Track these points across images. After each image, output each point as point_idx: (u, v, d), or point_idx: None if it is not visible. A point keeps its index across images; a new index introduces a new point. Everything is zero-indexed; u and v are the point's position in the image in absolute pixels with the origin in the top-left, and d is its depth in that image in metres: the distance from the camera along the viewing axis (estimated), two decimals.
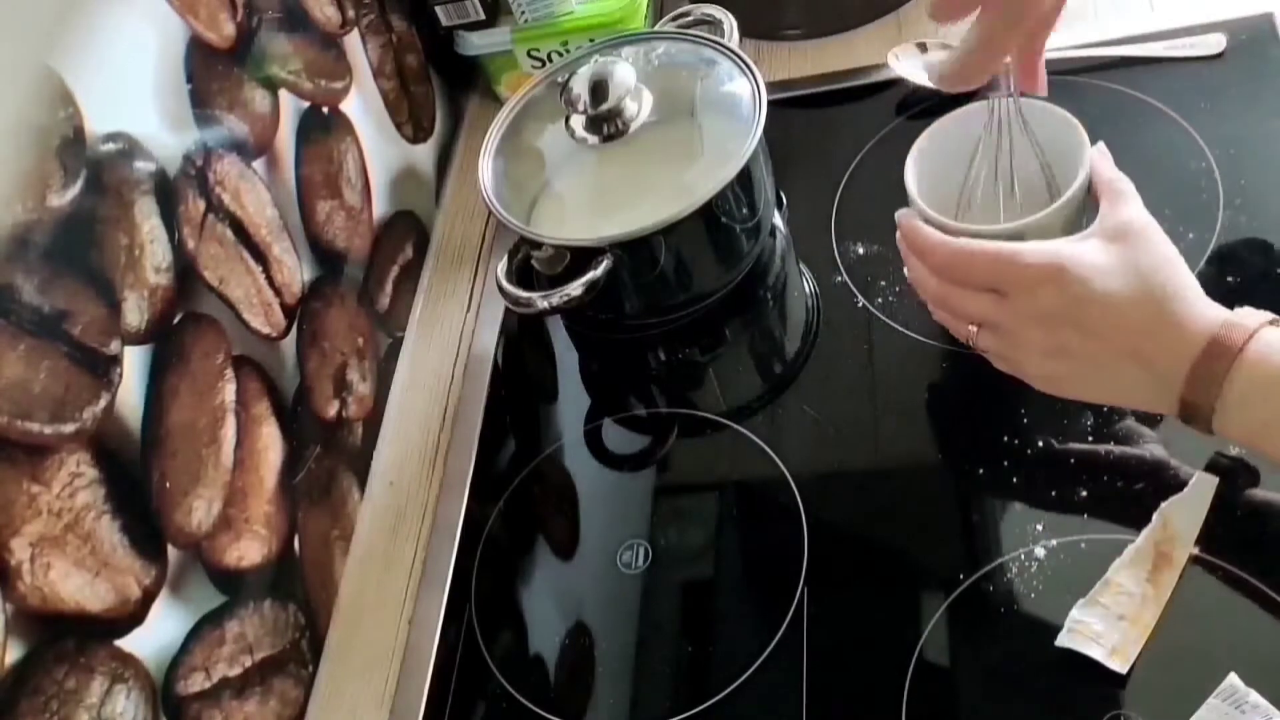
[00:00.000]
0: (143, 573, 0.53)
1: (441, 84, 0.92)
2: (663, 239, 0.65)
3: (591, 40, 0.81)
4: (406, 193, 0.83)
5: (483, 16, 0.86)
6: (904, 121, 0.78)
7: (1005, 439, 0.60)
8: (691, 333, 0.72)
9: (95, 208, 0.53)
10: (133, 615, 0.52)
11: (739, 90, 0.69)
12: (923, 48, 0.79)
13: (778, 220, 0.75)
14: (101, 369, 0.52)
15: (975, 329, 0.55)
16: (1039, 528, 0.56)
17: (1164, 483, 0.55)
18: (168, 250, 0.57)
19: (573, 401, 0.74)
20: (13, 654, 0.46)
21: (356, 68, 0.79)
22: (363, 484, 0.73)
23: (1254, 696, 0.47)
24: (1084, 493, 0.57)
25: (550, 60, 0.86)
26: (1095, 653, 0.50)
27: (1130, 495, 0.56)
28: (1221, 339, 0.47)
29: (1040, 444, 0.59)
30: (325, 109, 0.74)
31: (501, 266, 0.67)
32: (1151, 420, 0.58)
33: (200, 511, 0.57)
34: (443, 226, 0.88)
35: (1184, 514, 0.53)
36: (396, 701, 0.62)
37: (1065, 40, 0.75)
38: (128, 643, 0.52)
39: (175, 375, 0.57)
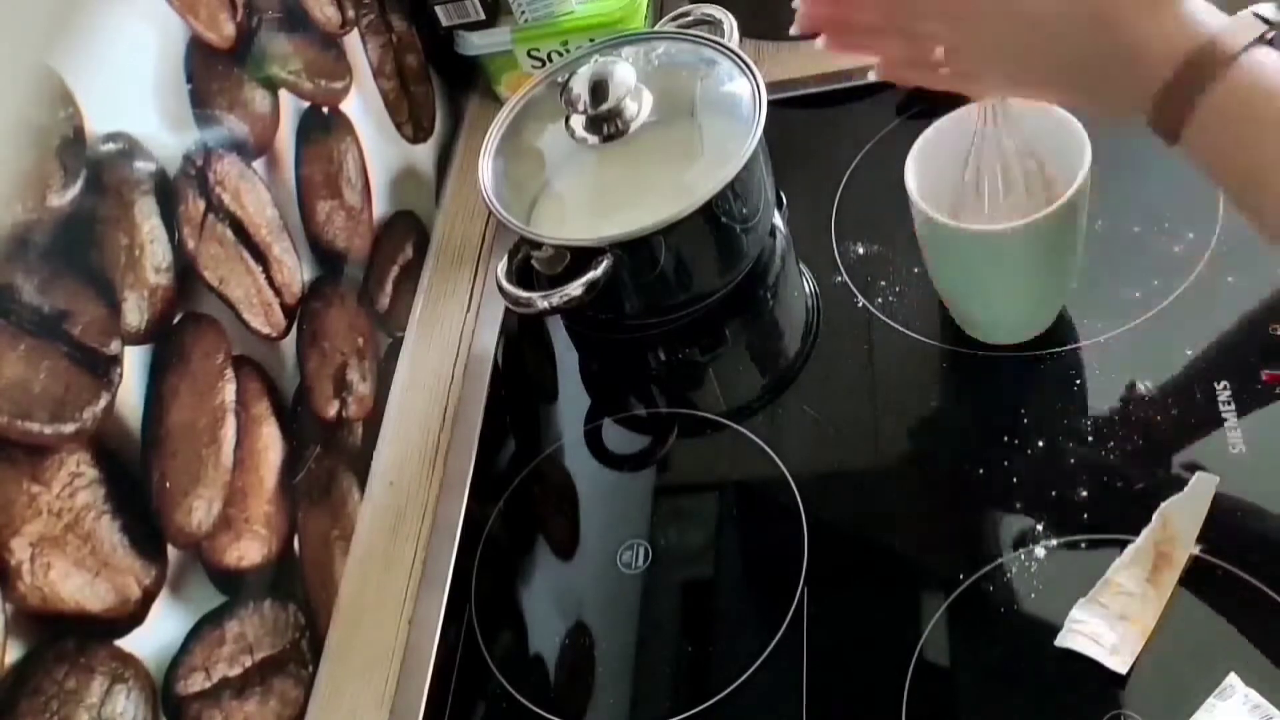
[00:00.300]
0: (143, 573, 0.53)
1: (441, 84, 0.92)
2: (663, 239, 0.66)
3: (591, 40, 0.81)
4: (406, 193, 0.83)
5: (483, 16, 0.86)
6: (904, 121, 0.78)
7: (1005, 439, 0.60)
8: (691, 333, 0.72)
9: (95, 208, 0.53)
10: (133, 615, 0.52)
11: (739, 90, 0.69)
12: None
13: (778, 220, 0.75)
14: (101, 369, 0.52)
15: (940, 51, 0.50)
16: (1039, 528, 0.56)
17: (1164, 483, 0.55)
18: (168, 250, 0.57)
19: (573, 401, 0.74)
20: (13, 654, 0.46)
21: (356, 68, 0.79)
22: (363, 484, 0.73)
23: (1254, 696, 0.47)
24: (1084, 493, 0.57)
25: (550, 60, 0.86)
26: (1095, 653, 0.50)
27: (1130, 495, 0.56)
28: (1216, 43, 0.43)
29: (1040, 444, 0.59)
30: (325, 109, 0.74)
31: (501, 266, 0.67)
32: (1151, 421, 0.58)
33: (200, 511, 0.57)
34: (443, 226, 0.88)
35: (1184, 514, 0.53)
36: (396, 701, 0.62)
37: None
38: (128, 643, 0.52)
39: (175, 375, 0.57)
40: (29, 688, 0.46)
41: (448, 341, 0.79)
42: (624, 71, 0.69)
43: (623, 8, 0.83)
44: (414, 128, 0.86)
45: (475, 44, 0.88)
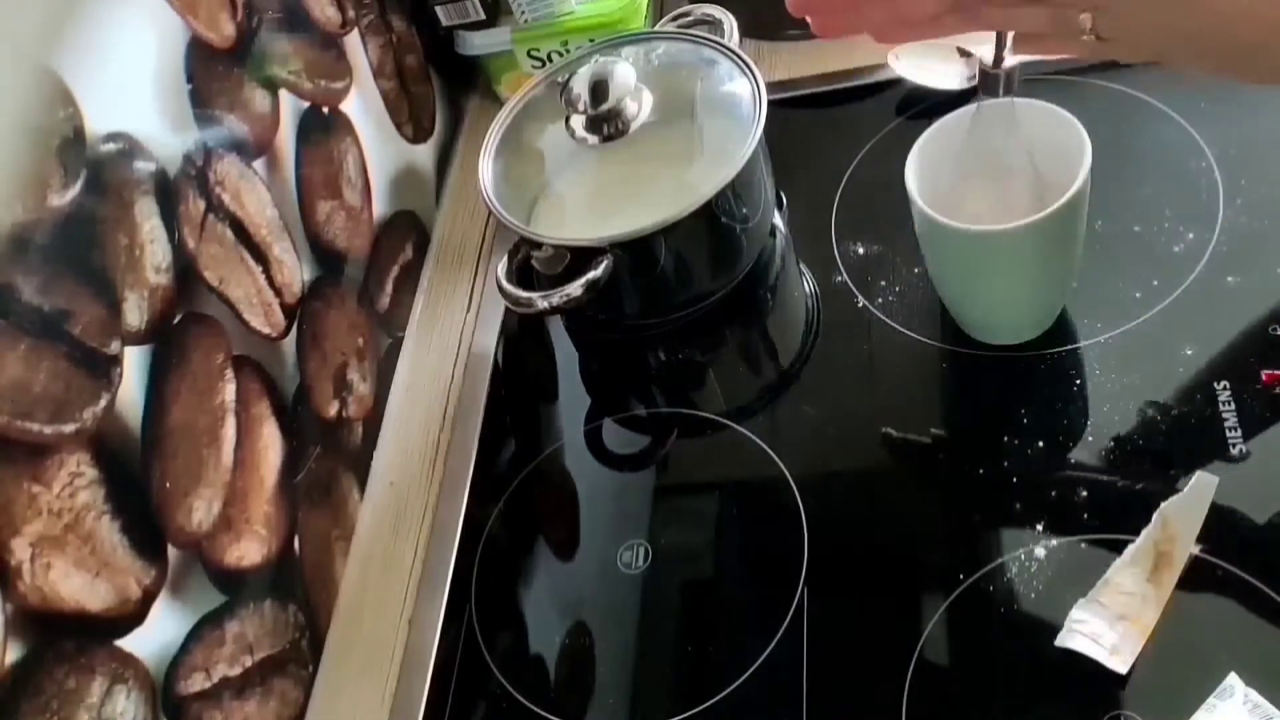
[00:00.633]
0: (143, 573, 0.53)
1: (441, 84, 0.92)
2: (663, 239, 0.65)
3: (591, 40, 0.81)
4: (406, 193, 0.83)
5: (483, 16, 0.86)
6: (904, 121, 0.78)
7: (1005, 439, 0.60)
8: (691, 333, 0.72)
9: (95, 208, 0.53)
10: (133, 615, 0.52)
11: (739, 90, 0.69)
12: (923, 48, 0.79)
13: (778, 220, 0.75)
14: (101, 369, 0.52)
15: (1088, 17, 0.46)
16: (1039, 528, 0.56)
17: (1164, 483, 0.55)
18: (168, 250, 0.57)
19: (573, 401, 0.74)
20: (13, 654, 0.46)
21: (356, 68, 0.79)
22: (363, 484, 0.73)
23: (1254, 696, 0.47)
24: (1084, 493, 0.57)
25: (550, 60, 0.86)
26: (1095, 653, 0.50)
27: (1130, 495, 0.56)
28: None
29: (1040, 444, 0.59)
30: (325, 109, 0.74)
31: (501, 266, 0.67)
32: (1151, 421, 0.58)
33: (200, 511, 0.57)
34: (443, 226, 0.88)
35: (1184, 514, 0.53)
36: (396, 701, 0.62)
37: None
38: (128, 643, 0.52)
39: (175, 375, 0.57)
40: (29, 688, 0.46)
41: (448, 341, 0.79)
42: (624, 71, 0.69)
43: (623, 8, 0.83)
44: (414, 128, 0.86)
45: (475, 44, 0.88)
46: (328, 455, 0.69)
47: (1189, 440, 0.57)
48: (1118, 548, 0.54)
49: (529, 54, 0.86)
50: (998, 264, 0.59)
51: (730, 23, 0.75)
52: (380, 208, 0.79)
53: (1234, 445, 0.55)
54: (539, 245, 0.66)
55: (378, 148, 0.80)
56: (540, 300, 0.64)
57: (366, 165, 0.78)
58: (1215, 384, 0.58)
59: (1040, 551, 0.55)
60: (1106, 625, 0.51)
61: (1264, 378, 0.57)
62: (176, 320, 0.57)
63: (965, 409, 0.63)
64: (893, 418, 0.64)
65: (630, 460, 0.70)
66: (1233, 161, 0.67)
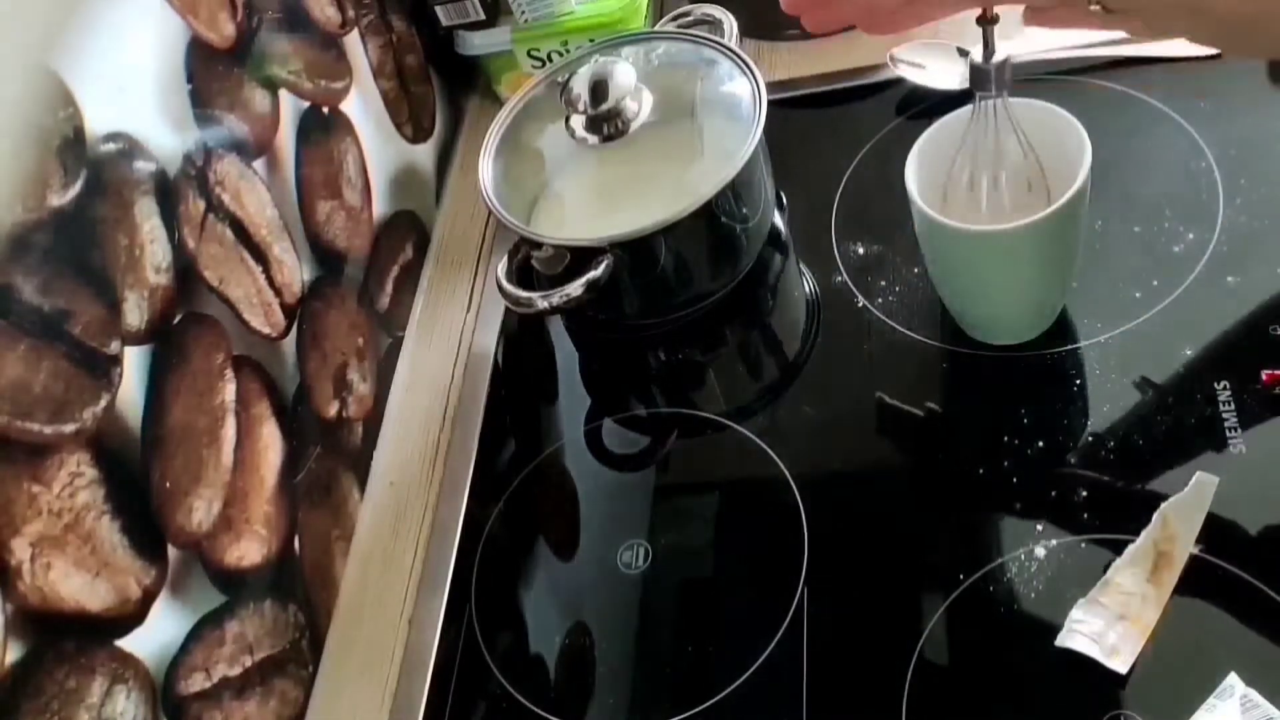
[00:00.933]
0: (143, 573, 0.53)
1: (441, 84, 0.91)
2: (663, 239, 0.65)
3: (591, 40, 0.81)
4: (406, 193, 0.83)
5: (483, 16, 0.86)
6: (904, 121, 0.78)
7: (1005, 439, 0.60)
8: (692, 333, 0.72)
9: (95, 208, 0.53)
10: (133, 615, 0.52)
11: (739, 90, 0.69)
12: (923, 48, 0.79)
13: (778, 220, 0.75)
14: (101, 369, 0.52)
15: None
16: (1039, 528, 0.56)
17: (1164, 483, 0.55)
18: (168, 250, 0.57)
19: (573, 401, 0.74)
20: (13, 654, 0.46)
21: (356, 68, 0.79)
22: (363, 484, 0.73)
23: (1254, 696, 0.47)
24: (1084, 493, 0.57)
25: (550, 60, 0.86)
26: (1095, 653, 0.50)
27: (1130, 495, 0.56)
28: None
29: (1040, 444, 0.59)
30: (325, 109, 0.74)
31: (501, 266, 0.67)
32: (1151, 422, 0.58)
33: (200, 511, 0.57)
34: (443, 226, 0.88)
35: (1184, 514, 0.53)
36: (396, 701, 0.62)
37: (1065, 40, 0.75)
38: (128, 643, 0.52)
39: (175, 375, 0.57)
40: (29, 688, 0.46)
41: (448, 341, 0.79)
42: (624, 71, 0.69)
43: (623, 8, 0.83)
44: (414, 128, 0.86)
45: (475, 44, 0.88)
46: (328, 455, 0.69)
47: (1189, 440, 0.57)
48: (1118, 548, 0.54)
49: (529, 54, 0.86)
50: (998, 264, 0.59)
51: (730, 23, 0.75)
52: (380, 208, 0.79)
53: (1234, 445, 0.55)
54: (539, 245, 0.66)
55: (378, 148, 0.80)
56: (540, 300, 0.64)
57: (366, 165, 0.78)
58: (1215, 384, 0.58)
59: (1040, 551, 0.55)
60: (1106, 625, 0.51)
61: (1264, 378, 0.57)
62: (176, 320, 0.57)
63: (965, 409, 0.63)
64: (893, 418, 0.64)
65: (630, 460, 0.70)
66: (1233, 161, 0.67)
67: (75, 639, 0.49)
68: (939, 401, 0.64)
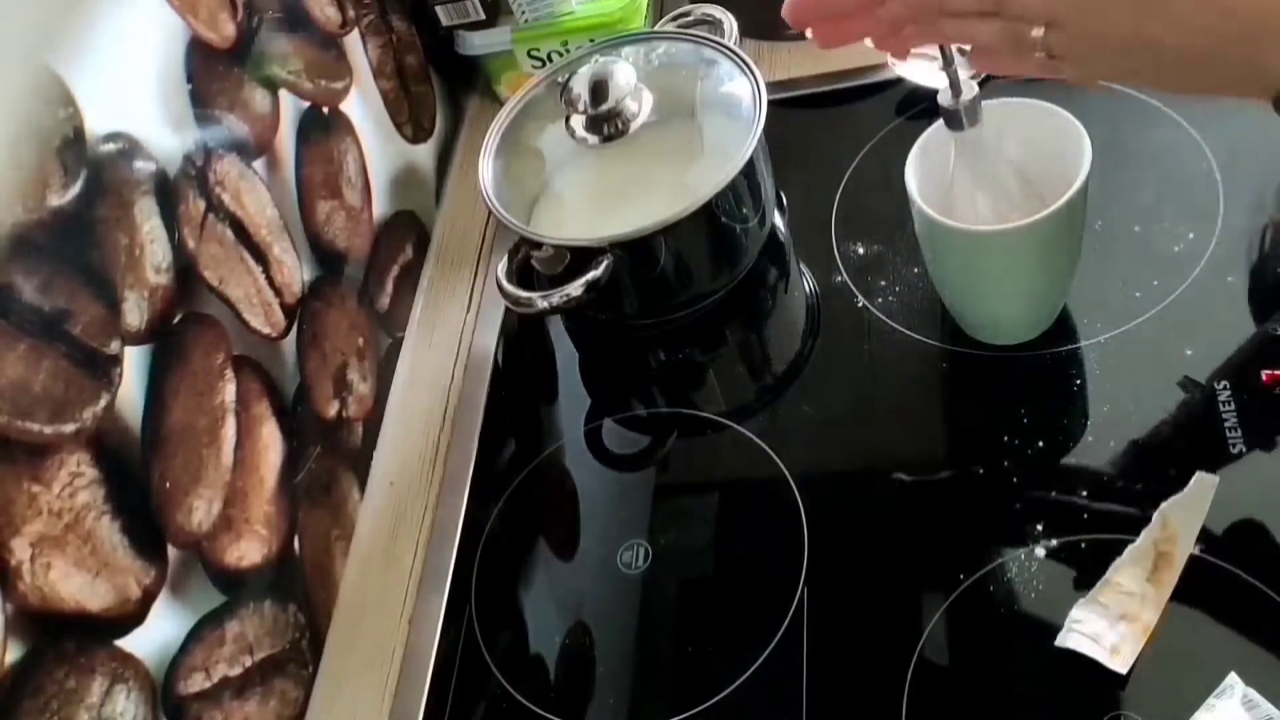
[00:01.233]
0: (143, 573, 0.53)
1: (441, 84, 0.92)
2: (663, 239, 0.66)
3: (591, 40, 0.81)
4: (406, 193, 0.83)
5: (483, 16, 0.86)
6: (904, 121, 0.78)
7: (1005, 439, 0.60)
8: (691, 333, 0.72)
9: (95, 208, 0.53)
10: (133, 615, 0.52)
11: (739, 90, 0.69)
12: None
13: (778, 220, 0.75)
14: (101, 369, 0.52)
15: (1040, 31, 0.45)
16: (1039, 528, 0.56)
17: (1164, 483, 0.55)
18: (168, 250, 0.57)
19: (573, 401, 0.74)
20: (13, 654, 0.46)
21: (356, 68, 0.79)
22: (363, 484, 0.73)
23: (1254, 696, 0.47)
24: (1084, 493, 0.57)
25: (550, 60, 0.86)
26: (1095, 653, 0.50)
27: (1130, 495, 0.56)
28: None
29: (1040, 444, 0.59)
30: (325, 109, 0.74)
31: (501, 266, 0.67)
32: (1151, 421, 0.58)
33: (200, 511, 0.57)
34: (443, 226, 0.88)
35: (1184, 514, 0.53)
36: (396, 701, 0.62)
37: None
38: (128, 643, 0.52)
39: (175, 375, 0.57)
40: (29, 687, 0.46)
41: (448, 341, 0.79)
42: (624, 71, 0.69)
43: (623, 8, 0.83)
44: (414, 128, 0.86)
45: (475, 44, 0.88)
46: (328, 455, 0.69)
47: (1189, 440, 0.57)
48: (1118, 548, 0.54)
49: (529, 54, 0.86)
50: (998, 264, 0.59)
51: (730, 23, 0.75)
52: (380, 208, 0.79)
53: (1234, 445, 0.55)
54: (539, 245, 0.66)
55: (378, 148, 0.80)
56: (540, 300, 0.64)
57: (366, 165, 0.78)
58: (1215, 384, 0.58)
59: (1040, 551, 0.55)
60: (1106, 625, 0.51)
61: (1264, 378, 0.57)
62: (176, 320, 0.57)
63: (965, 409, 0.63)
64: (893, 418, 0.64)
65: (630, 460, 0.70)
66: (1233, 162, 0.67)
67: (75, 639, 0.49)
68: (939, 401, 0.64)
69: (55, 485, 0.49)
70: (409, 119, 0.85)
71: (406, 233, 0.83)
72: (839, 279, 0.71)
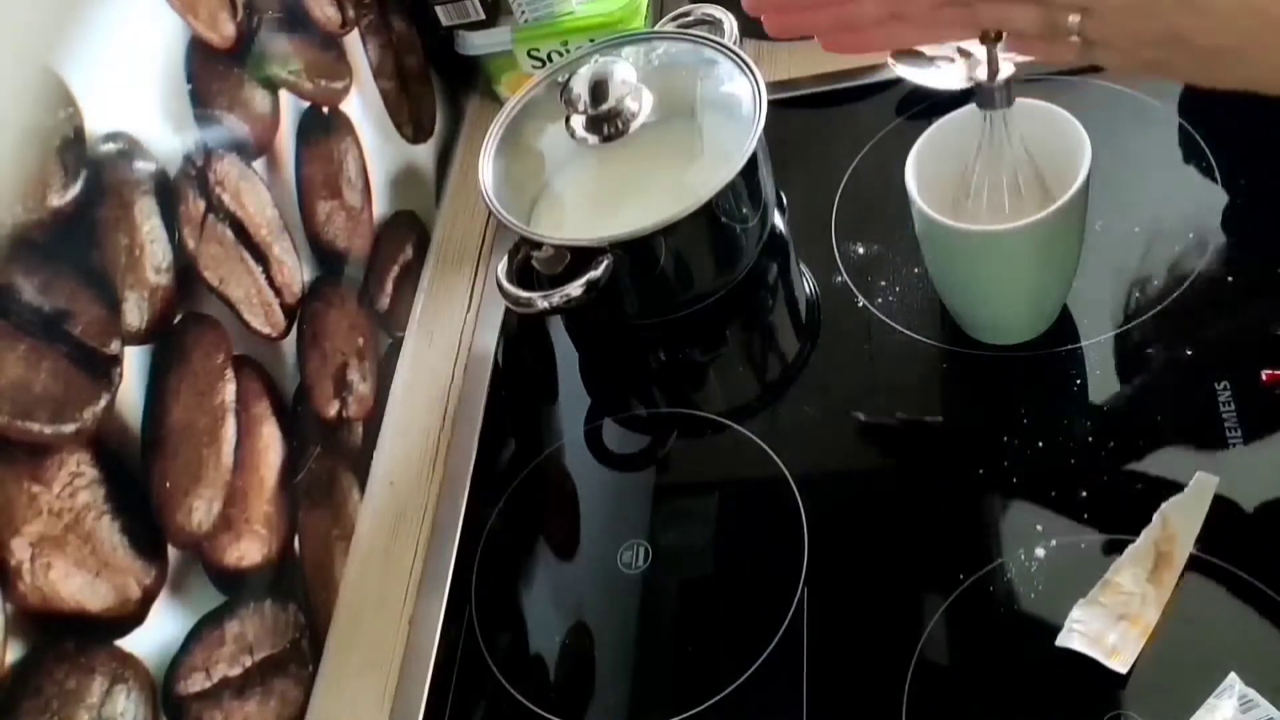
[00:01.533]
0: (143, 573, 0.53)
1: (441, 84, 0.92)
2: (663, 239, 0.66)
3: (591, 40, 0.81)
4: (406, 193, 0.83)
5: (483, 16, 0.86)
6: (904, 121, 0.78)
7: (1005, 439, 0.60)
8: (691, 333, 0.72)
9: (95, 208, 0.53)
10: (133, 615, 0.52)
11: (739, 90, 0.69)
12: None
13: (778, 220, 0.75)
14: (101, 369, 0.52)
15: (1077, 18, 0.46)
16: (1039, 528, 0.56)
17: (1164, 483, 0.55)
18: (168, 250, 0.57)
19: (573, 401, 0.74)
20: (13, 654, 0.46)
21: (356, 68, 0.79)
22: (363, 484, 0.73)
23: (1254, 696, 0.47)
24: (1084, 493, 0.57)
25: (550, 60, 0.86)
26: (1095, 653, 0.50)
27: (1130, 495, 0.56)
28: None
29: (1040, 444, 0.59)
30: (325, 109, 0.74)
31: (501, 266, 0.67)
32: (1151, 421, 0.58)
33: (200, 511, 0.57)
34: (443, 226, 0.88)
35: (1184, 514, 0.53)
36: (396, 701, 0.62)
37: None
38: (128, 643, 0.52)
39: (175, 375, 0.57)
40: (29, 688, 0.46)
41: (448, 341, 0.79)
42: (624, 71, 0.69)
43: (623, 8, 0.83)
44: (414, 128, 0.86)
45: (475, 44, 0.88)
46: (328, 455, 0.69)
47: (1189, 440, 0.57)
48: (1118, 548, 0.54)
49: (529, 54, 0.86)
50: (998, 264, 0.59)
51: (730, 23, 0.75)
52: (380, 208, 0.79)
53: (1234, 445, 0.55)
54: (539, 245, 0.66)
55: (378, 148, 0.80)
56: (540, 300, 0.64)
57: (366, 165, 0.78)
58: (1215, 384, 0.58)
59: (1040, 551, 0.55)
60: (1106, 625, 0.51)
61: (1264, 378, 0.57)
62: (176, 320, 0.57)
63: (965, 409, 0.63)
64: (893, 418, 0.64)
65: (630, 460, 0.70)
66: (1233, 161, 0.67)
67: (75, 639, 0.49)
68: (939, 401, 0.64)
69: (55, 485, 0.49)
70: (409, 119, 0.85)
71: (406, 233, 0.83)
72: (839, 279, 0.71)
